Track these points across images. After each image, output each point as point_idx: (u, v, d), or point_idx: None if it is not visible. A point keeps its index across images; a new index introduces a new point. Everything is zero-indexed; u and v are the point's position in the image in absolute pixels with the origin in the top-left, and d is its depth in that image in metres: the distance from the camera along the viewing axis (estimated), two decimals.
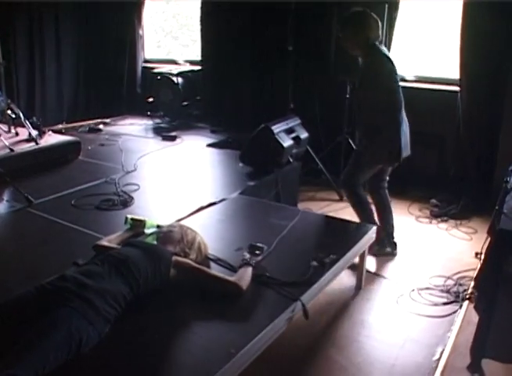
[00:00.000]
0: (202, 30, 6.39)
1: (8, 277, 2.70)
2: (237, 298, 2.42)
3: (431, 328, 2.98)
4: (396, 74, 3.57)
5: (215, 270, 2.65)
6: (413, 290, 3.38)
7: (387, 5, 4.75)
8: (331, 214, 4.55)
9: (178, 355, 2.10)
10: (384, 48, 3.68)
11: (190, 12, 7.40)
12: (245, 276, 2.53)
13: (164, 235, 2.74)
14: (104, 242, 2.83)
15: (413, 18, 5.35)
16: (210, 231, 3.18)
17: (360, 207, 3.75)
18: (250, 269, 2.59)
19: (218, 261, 2.79)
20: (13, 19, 6.10)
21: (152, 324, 2.24)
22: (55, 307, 2.03)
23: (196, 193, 3.96)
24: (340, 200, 5.02)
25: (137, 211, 3.53)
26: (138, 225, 3.06)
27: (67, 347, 1.92)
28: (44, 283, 2.21)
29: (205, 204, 3.68)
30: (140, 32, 7.06)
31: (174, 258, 2.50)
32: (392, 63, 3.54)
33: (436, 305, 3.21)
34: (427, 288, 3.40)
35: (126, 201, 3.72)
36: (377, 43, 3.57)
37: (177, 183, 4.25)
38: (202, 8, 6.28)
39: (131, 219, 3.07)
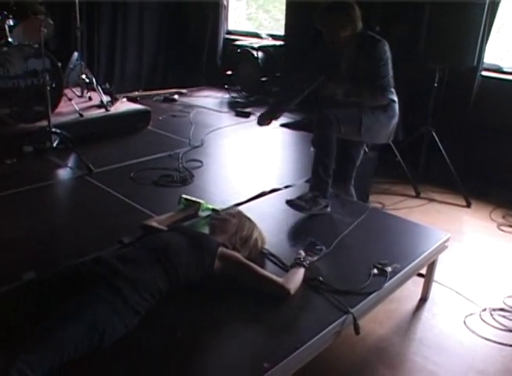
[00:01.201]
0: (288, 4, 6.10)
1: (54, 248, 2.63)
2: (282, 301, 2.20)
3: (501, 359, 2.62)
4: None
5: (265, 266, 2.44)
6: (485, 309, 3.01)
7: None
8: (404, 211, 4.26)
9: (205, 362, 1.91)
10: None
11: None
12: (295, 279, 2.30)
13: (218, 223, 2.53)
14: (153, 222, 2.68)
15: None
16: (268, 221, 2.95)
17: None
18: (302, 271, 2.36)
19: (270, 256, 2.57)
20: None
21: (183, 322, 2.06)
22: (82, 291, 1.89)
23: (260, 176, 3.76)
24: (417, 196, 4.65)
25: (195, 190, 3.38)
26: (192, 206, 2.89)
27: (89, 338, 1.77)
28: (77, 264, 2.08)
29: (268, 189, 3.47)
30: (224, 2, 6.86)
31: (221, 249, 2.30)
32: None
33: (510, 330, 2.85)
34: (501, 309, 3.03)
35: (186, 179, 3.58)
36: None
37: (242, 164, 4.06)
38: None
39: (186, 200, 2.90)
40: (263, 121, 3.37)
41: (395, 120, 3.36)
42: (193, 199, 2.93)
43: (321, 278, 2.35)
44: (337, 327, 2.11)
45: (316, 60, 3.43)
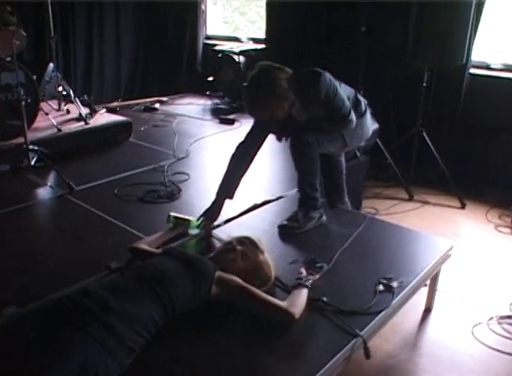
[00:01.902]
0: (268, 5, 5.96)
1: (32, 277, 2.44)
2: (287, 327, 2.05)
3: None
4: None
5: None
6: (492, 318, 2.90)
7: None
8: (398, 216, 4.16)
9: None
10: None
11: None
12: (299, 302, 2.14)
13: (218, 258, 2.28)
14: (142, 244, 2.52)
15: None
16: (262, 236, 2.78)
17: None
18: (305, 292, 2.20)
19: None
20: None
21: (182, 355, 1.89)
22: (70, 330, 1.71)
23: (250, 187, 3.59)
24: (410, 199, 4.55)
25: (183, 206, 3.22)
26: (181, 225, 2.73)
27: None
28: (63, 297, 1.90)
29: (259, 201, 3.32)
30: (202, 7, 6.69)
31: (218, 273, 2.14)
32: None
33: None
34: (509, 317, 2.91)
35: (173, 193, 3.40)
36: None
37: None
38: None
39: (174, 218, 2.74)
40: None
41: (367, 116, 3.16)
42: (182, 216, 2.77)
43: (325, 298, 2.21)
44: (347, 353, 1.97)
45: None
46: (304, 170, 2.95)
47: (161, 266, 2.09)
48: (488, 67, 4.74)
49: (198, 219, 2.82)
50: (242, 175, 3.06)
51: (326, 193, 3.22)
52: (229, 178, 3.02)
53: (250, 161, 3.06)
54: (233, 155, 3.02)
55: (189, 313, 2.03)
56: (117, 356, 1.71)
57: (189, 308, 2.04)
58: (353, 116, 2.89)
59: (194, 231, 2.77)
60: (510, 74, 4.60)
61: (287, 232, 2.90)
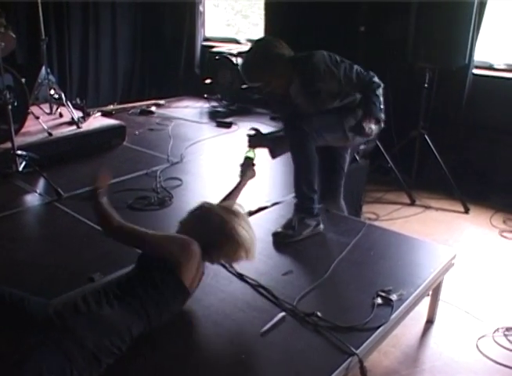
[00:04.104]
0: (266, 7, 5.84)
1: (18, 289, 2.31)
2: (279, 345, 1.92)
3: None
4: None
5: (255, 302, 2.16)
6: (498, 330, 2.75)
7: None
8: (400, 221, 4.03)
9: None
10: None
11: None
12: None
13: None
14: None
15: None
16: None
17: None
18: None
19: (258, 287, 2.29)
20: None
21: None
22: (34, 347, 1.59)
23: (245, 193, 3.46)
24: (412, 204, 4.41)
25: (174, 213, 3.08)
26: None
27: None
28: None
29: (254, 208, 3.19)
30: (201, 8, 6.57)
31: None
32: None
33: None
34: None
35: (164, 200, 3.28)
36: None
37: (224, 180, 3.75)
38: None
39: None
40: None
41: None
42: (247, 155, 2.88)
43: (319, 313, 2.07)
44: (342, 372, 1.84)
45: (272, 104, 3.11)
46: (302, 166, 2.82)
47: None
48: (491, 67, 4.60)
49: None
50: None
51: (321, 187, 3.01)
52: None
53: None
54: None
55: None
56: (79, 365, 1.60)
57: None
58: (376, 79, 2.82)
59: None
60: None
61: (281, 240, 2.77)
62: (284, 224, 2.84)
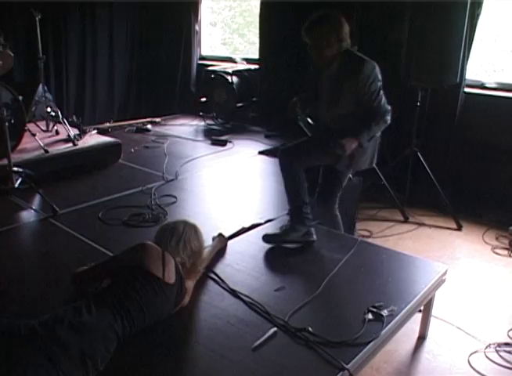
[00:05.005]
0: (261, 26, 5.92)
1: (10, 306, 2.32)
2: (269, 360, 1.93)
3: None
4: None
5: (247, 317, 2.18)
6: (489, 345, 2.77)
7: (469, 1, 4.10)
8: (394, 239, 4.05)
9: None
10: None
11: (258, 9, 6.93)
12: None
13: None
14: None
15: (498, 18, 4.69)
16: (248, 262, 2.72)
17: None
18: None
19: (250, 304, 2.31)
20: (66, 15, 5.80)
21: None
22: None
23: (239, 210, 3.51)
24: (405, 221, 4.44)
25: None
26: None
27: None
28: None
29: (248, 225, 3.22)
30: (196, 28, 6.66)
31: None
32: None
33: None
34: (507, 344, 2.79)
35: (158, 217, 3.30)
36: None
37: (218, 197, 3.80)
38: (262, 4, 5.84)
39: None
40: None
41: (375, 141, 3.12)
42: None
43: (310, 329, 2.09)
44: None
45: (307, 80, 3.23)
46: (291, 193, 3.02)
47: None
48: (482, 86, 4.67)
49: None
50: None
51: (317, 203, 3.15)
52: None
53: None
54: None
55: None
56: (63, 365, 1.64)
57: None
58: (389, 117, 2.89)
59: None
60: (505, 93, 4.53)
61: (270, 239, 2.89)
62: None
